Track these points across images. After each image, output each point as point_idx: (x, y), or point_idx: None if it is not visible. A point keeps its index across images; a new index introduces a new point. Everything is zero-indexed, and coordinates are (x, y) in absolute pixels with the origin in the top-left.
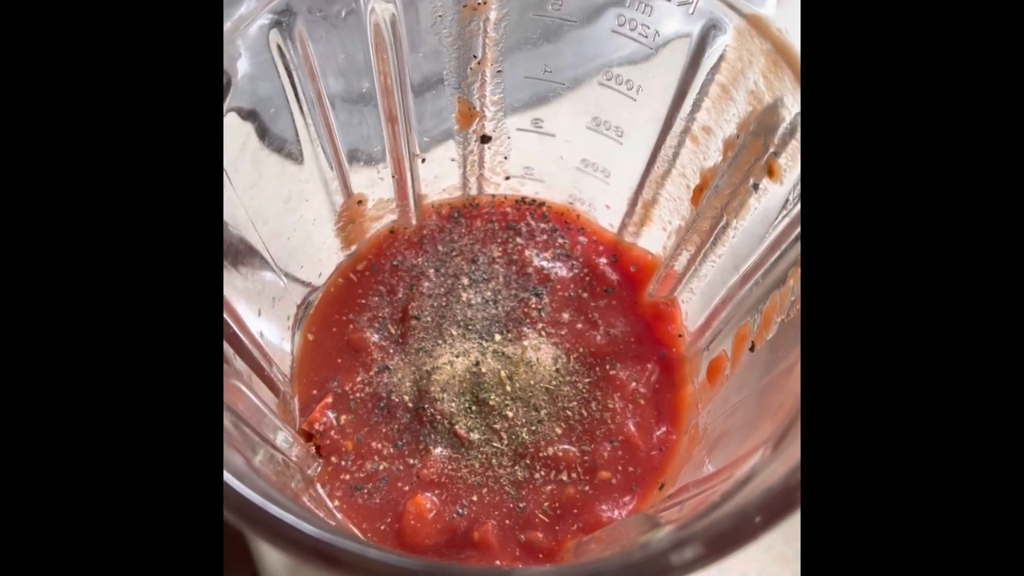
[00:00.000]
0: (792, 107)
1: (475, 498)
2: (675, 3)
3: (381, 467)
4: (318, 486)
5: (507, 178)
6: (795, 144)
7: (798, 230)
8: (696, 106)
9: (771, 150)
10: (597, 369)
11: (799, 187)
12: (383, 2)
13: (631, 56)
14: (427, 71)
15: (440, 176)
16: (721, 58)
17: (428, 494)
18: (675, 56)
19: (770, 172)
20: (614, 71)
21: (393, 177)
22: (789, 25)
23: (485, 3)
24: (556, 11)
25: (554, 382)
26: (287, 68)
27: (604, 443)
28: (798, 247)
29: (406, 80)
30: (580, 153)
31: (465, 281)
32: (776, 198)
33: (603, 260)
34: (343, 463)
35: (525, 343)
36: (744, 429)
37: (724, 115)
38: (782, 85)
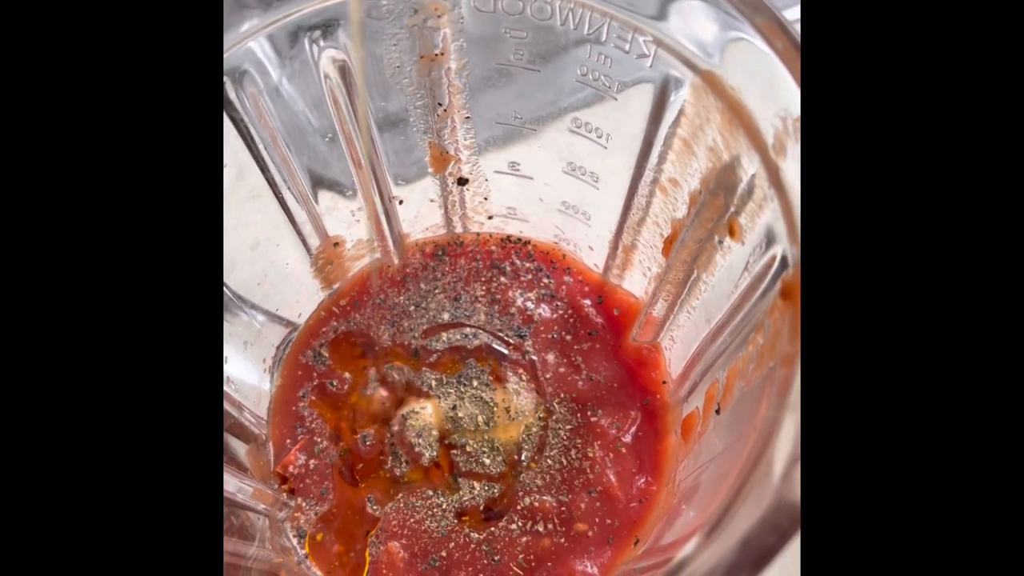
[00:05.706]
0: (748, 168)
1: (446, 551)
2: (634, 56)
3: None
4: (287, 525)
5: (490, 217)
6: (753, 205)
7: (758, 292)
8: (662, 158)
9: (731, 209)
10: (578, 415)
11: (759, 249)
12: (333, 51)
13: (597, 104)
14: (394, 117)
15: (421, 216)
16: (681, 112)
17: (399, 542)
18: (639, 106)
19: (731, 231)
20: (582, 119)
21: (369, 219)
22: (742, 83)
23: (442, 54)
24: (518, 60)
25: (533, 428)
26: (240, 123)
27: (582, 493)
28: (758, 310)
29: (368, 127)
30: (559, 196)
31: (446, 319)
32: (739, 257)
33: (587, 302)
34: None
35: (505, 387)
36: (696, 502)
37: (688, 169)
38: (738, 144)
